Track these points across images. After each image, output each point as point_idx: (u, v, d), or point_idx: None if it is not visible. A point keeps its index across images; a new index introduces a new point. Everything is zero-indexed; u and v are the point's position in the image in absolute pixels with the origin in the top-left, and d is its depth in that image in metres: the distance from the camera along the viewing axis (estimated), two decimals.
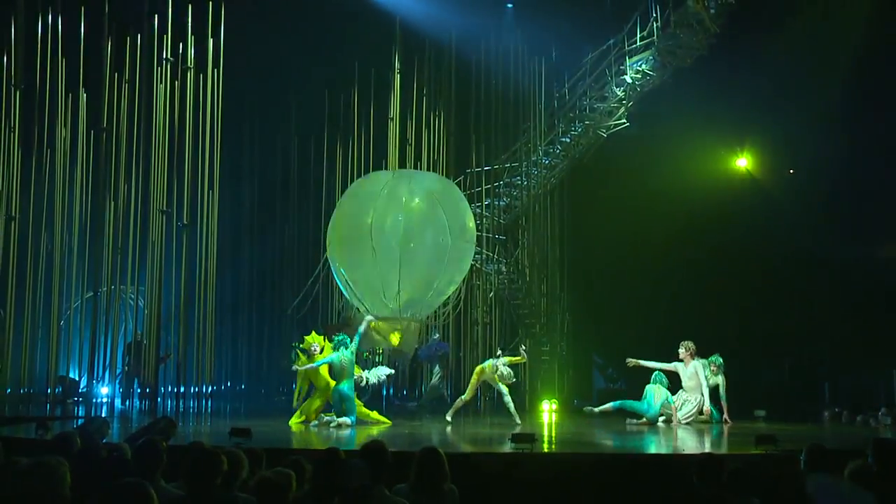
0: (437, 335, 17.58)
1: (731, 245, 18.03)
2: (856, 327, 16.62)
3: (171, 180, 15.98)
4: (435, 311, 16.42)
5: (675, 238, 17.84)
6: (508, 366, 13.48)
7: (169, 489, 5.43)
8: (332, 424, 12.41)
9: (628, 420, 13.42)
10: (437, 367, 17.46)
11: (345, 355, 12.75)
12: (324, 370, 13.15)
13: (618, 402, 13.80)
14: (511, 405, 13.52)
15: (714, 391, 13.54)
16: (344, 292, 14.81)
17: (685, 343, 13.65)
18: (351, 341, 12.90)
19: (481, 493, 8.24)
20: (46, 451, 5.78)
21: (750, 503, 5.92)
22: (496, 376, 13.40)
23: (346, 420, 12.51)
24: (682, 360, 13.57)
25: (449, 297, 15.32)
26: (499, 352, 14.71)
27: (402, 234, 13.52)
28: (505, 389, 13.53)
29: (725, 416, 13.41)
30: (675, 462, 8.58)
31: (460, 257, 14.13)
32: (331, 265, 14.80)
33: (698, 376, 13.39)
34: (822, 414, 15.10)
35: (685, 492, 6.22)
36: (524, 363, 18.72)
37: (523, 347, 14.76)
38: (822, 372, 16.97)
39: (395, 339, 13.66)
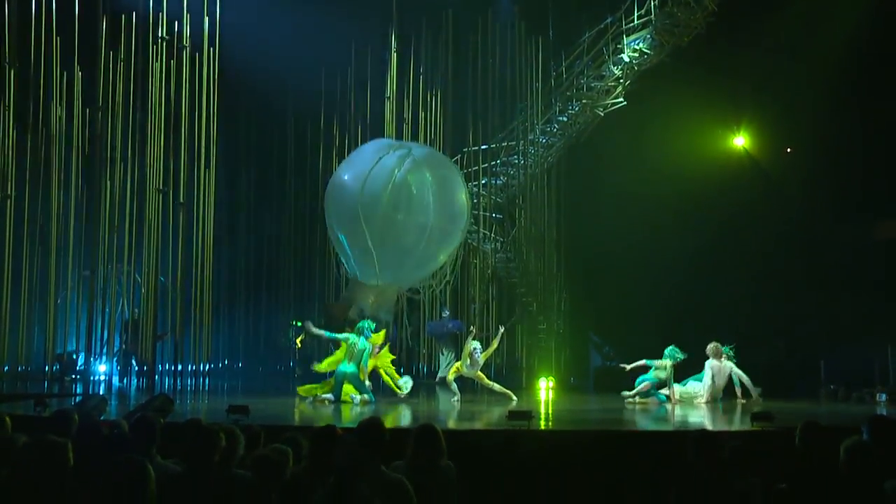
0: (447, 312, 17.55)
1: (728, 223, 18.02)
2: (852, 305, 16.64)
3: (168, 159, 15.94)
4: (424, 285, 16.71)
5: (671, 217, 17.83)
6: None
7: (166, 465, 5.45)
8: (354, 402, 12.53)
9: (629, 397, 13.32)
10: (445, 351, 17.29)
11: (362, 342, 12.84)
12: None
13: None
14: (496, 386, 13.55)
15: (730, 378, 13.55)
16: (340, 255, 15.04)
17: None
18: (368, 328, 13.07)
19: (478, 470, 8.29)
20: (45, 427, 5.80)
21: (750, 483, 5.95)
22: (466, 367, 13.40)
23: (365, 397, 12.64)
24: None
25: (438, 272, 15.48)
26: (472, 328, 14.72)
27: (383, 214, 13.60)
28: (483, 379, 13.58)
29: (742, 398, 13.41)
30: (672, 439, 8.62)
31: (445, 237, 14.20)
32: (328, 227, 15.01)
33: (706, 376, 13.43)
34: (818, 391, 15.15)
35: (682, 468, 6.25)
36: (524, 341, 18.92)
37: (502, 329, 14.59)
38: (818, 349, 17.00)
39: (372, 301, 13.93)
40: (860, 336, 16.24)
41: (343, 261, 14.95)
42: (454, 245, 14.97)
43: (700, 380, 13.47)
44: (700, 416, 11.58)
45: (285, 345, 21.42)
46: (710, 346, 13.52)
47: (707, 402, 13.06)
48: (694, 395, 13.39)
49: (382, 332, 14.17)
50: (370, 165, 13.85)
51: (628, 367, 13.55)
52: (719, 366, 13.37)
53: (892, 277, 16.59)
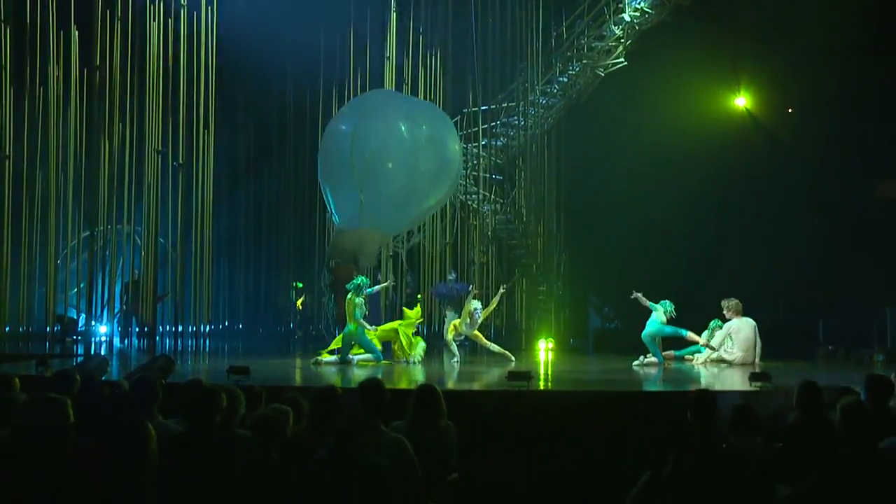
0: (454, 274, 17.54)
1: (729, 185, 17.97)
2: (851, 266, 16.65)
3: (167, 120, 15.88)
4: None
5: (672, 178, 17.77)
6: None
7: (167, 425, 5.49)
8: (353, 363, 12.59)
9: (643, 359, 13.12)
10: (450, 314, 17.29)
11: (353, 299, 12.83)
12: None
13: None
14: (494, 346, 13.54)
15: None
16: (327, 203, 15.30)
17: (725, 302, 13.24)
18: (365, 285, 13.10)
19: (477, 430, 8.35)
20: (47, 387, 5.84)
21: (751, 442, 6.00)
22: (465, 325, 13.33)
23: (370, 357, 12.71)
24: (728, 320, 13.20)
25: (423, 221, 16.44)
26: (472, 287, 14.69)
27: (373, 150, 14.02)
28: (480, 338, 13.56)
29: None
30: (671, 399, 8.66)
31: (433, 181, 14.38)
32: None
33: (719, 335, 13.18)
34: (816, 352, 15.20)
35: (681, 428, 6.29)
36: (524, 303, 18.95)
37: (502, 289, 14.56)
38: (816, 310, 17.04)
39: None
40: (859, 297, 16.28)
41: (329, 209, 15.42)
42: (441, 192, 15.03)
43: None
44: (699, 377, 11.64)
45: (285, 306, 21.46)
46: (734, 303, 13.13)
47: (705, 362, 13.00)
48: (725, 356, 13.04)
49: (418, 308, 14.38)
50: (366, 109, 14.11)
51: (641, 298, 13.25)
52: (740, 324, 12.97)
53: (892, 238, 16.58)
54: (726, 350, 13.09)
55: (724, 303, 13.26)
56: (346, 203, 14.47)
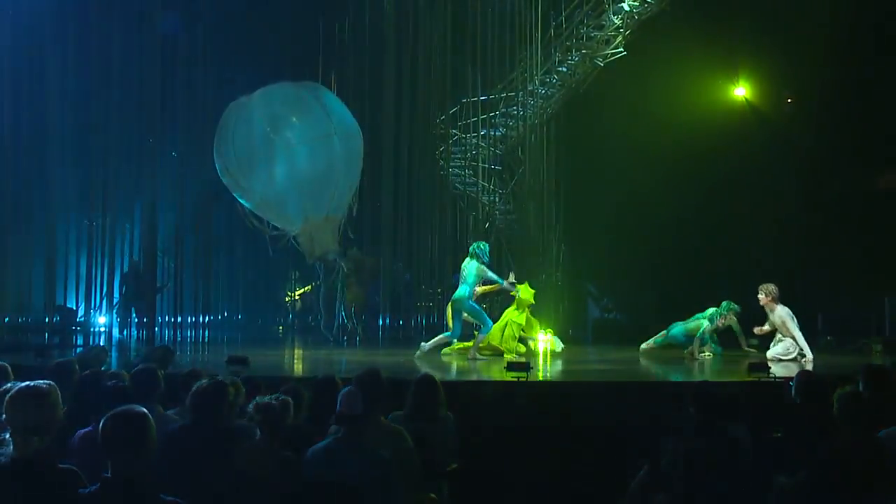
0: None
1: (727, 175, 17.94)
2: (851, 256, 16.65)
3: (164, 109, 15.86)
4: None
5: (671, 168, 17.75)
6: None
7: (169, 416, 5.50)
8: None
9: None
10: None
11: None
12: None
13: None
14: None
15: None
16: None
17: (764, 287, 12.68)
18: None
19: (476, 421, 8.37)
20: (46, 377, 5.84)
21: (741, 430, 6.03)
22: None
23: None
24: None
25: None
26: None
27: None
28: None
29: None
30: (670, 389, 8.69)
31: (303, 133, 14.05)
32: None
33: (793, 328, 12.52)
34: (815, 342, 15.19)
35: (680, 419, 6.32)
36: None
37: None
38: (814, 301, 17.03)
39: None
40: (857, 287, 16.28)
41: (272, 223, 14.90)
42: (315, 134, 14.50)
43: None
44: (698, 368, 11.66)
45: (283, 296, 21.43)
46: (772, 288, 12.57)
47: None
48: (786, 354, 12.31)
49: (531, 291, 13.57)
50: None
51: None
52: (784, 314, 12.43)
53: (890, 228, 16.57)
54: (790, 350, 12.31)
55: (763, 288, 12.62)
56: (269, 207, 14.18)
